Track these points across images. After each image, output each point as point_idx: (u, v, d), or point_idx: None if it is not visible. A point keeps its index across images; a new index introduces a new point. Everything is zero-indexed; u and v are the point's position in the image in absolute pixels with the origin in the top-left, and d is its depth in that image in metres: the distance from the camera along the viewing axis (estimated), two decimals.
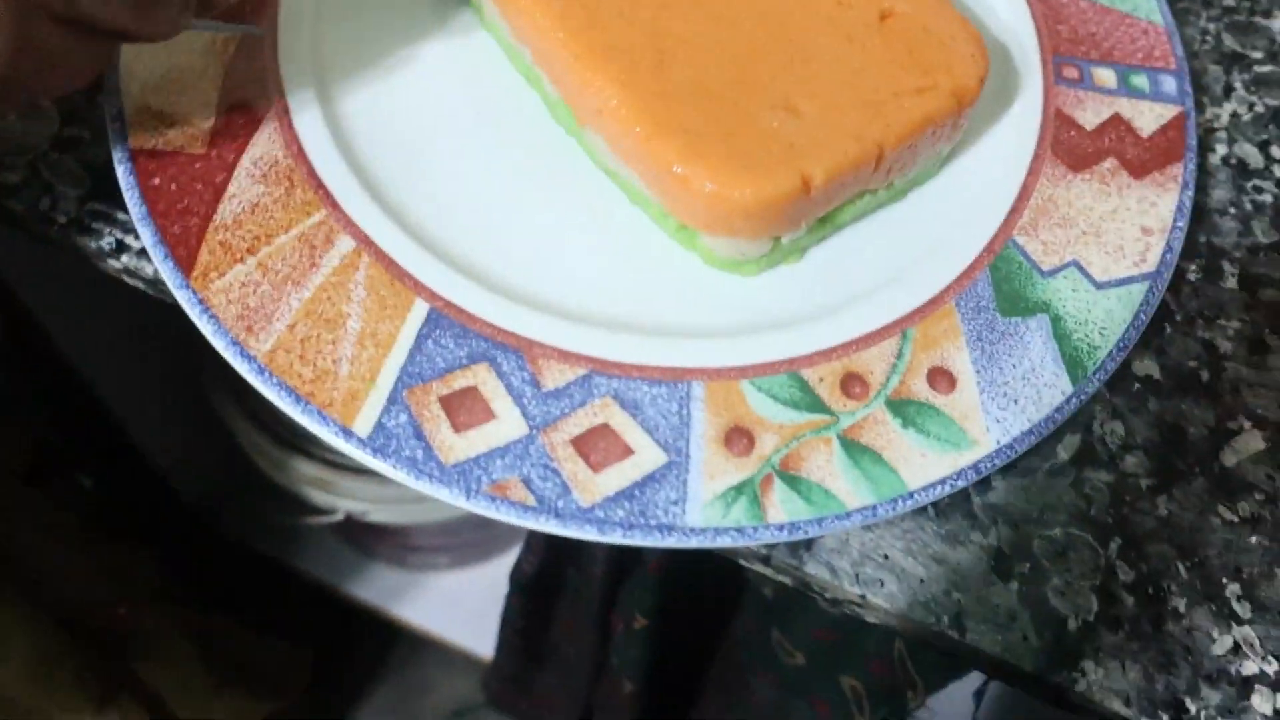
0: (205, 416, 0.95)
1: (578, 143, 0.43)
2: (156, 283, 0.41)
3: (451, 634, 1.11)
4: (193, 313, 0.37)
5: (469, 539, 1.05)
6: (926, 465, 0.37)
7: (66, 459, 0.76)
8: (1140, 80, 0.46)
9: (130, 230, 0.41)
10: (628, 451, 0.36)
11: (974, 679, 0.60)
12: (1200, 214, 0.45)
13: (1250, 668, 0.37)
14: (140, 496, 0.98)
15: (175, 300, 0.38)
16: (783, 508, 0.36)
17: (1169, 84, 0.45)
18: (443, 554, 1.09)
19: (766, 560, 0.38)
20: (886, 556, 0.38)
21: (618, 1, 0.40)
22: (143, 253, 0.41)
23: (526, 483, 0.36)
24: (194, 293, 0.38)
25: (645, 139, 0.38)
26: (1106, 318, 0.40)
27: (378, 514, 0.96)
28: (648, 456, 0.36)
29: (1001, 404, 0.38)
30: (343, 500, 0.95)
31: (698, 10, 0.40)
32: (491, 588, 1.11)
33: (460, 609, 1.11)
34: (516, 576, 0.71)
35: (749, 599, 0.69)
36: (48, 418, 0.79)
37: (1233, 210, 0.46)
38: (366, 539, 1.10)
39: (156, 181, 0.39)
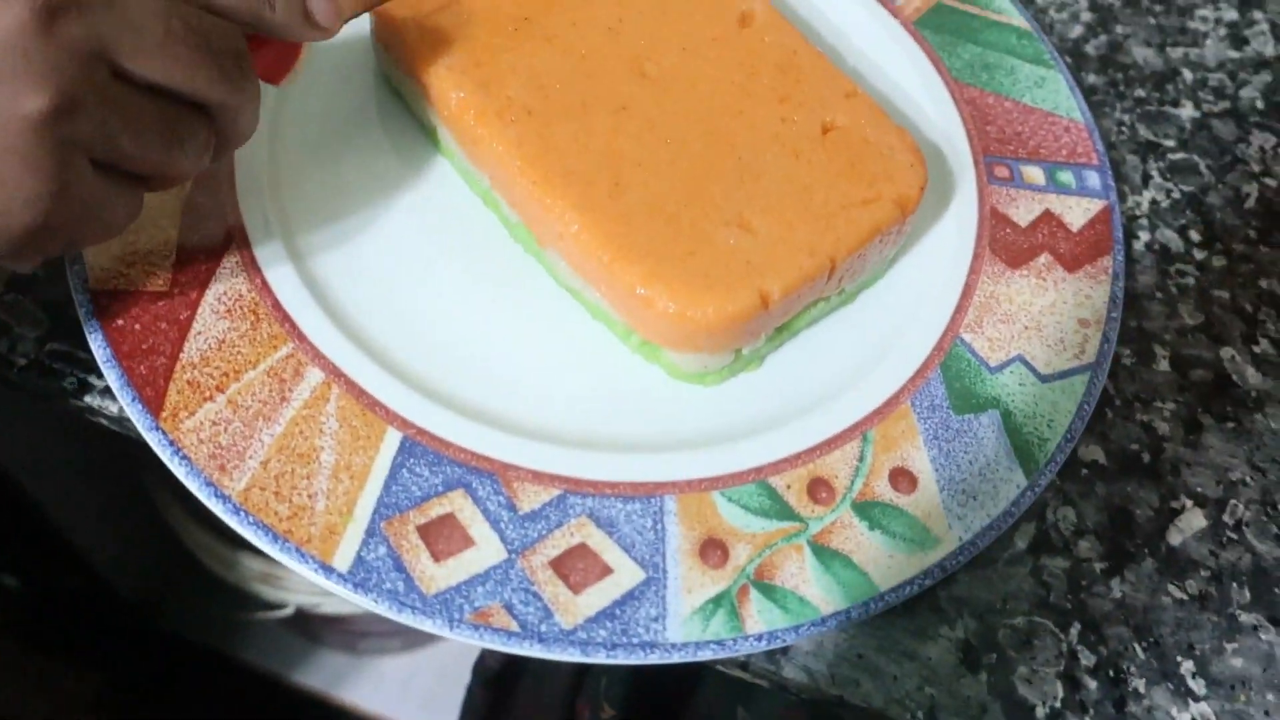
0: (146, 514, 0.93)
1: (538, 262, 0.44)
2: (123, 420, 0.41)
3: (405, 717, 1.09)
4: (164, 454, 0.37)
5: None
6: (895, 566, 0.38)
7: None
8: (1066, 176, 0.48)
9: (93, 369, 0.41)
10: (606, 570, 0.37)
11: None
12: (1130, 300, 0.48)
13: None
14: (74, 596, 0.95)
15: (143, 438, 0.38)
16: (760, 618, 0.37)
17: (1093, 179, 0.48)
18: (395, 637, 1.08)
19: (745, 666, 0.39)
20: (860, 656, 0.39)
21: (571, 127, 0.41)
22: (107, 390, 0.41)
23: (509, 608, 0.36)
24: (164, 434, 0.38)
25: (608, 263, 0.39)
26: (1053, 410, 0.42)
27: (330, 605, 0.94)
28: (626, 574, 0.37)
29: (961, 501, 0.40)
30: (293, 595, 0.94)
31: (650, 133, 0.42)
32: (446, 667, 1.11)
33: (414, 691, 1.10)
34: (480, 670, 0.71)
35: (712, 676, 0.69)
36: None
37: (1159, 295, 0.48)
38: (315, 628, 1.08)
39: (120, 322, 0.39)
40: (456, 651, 1.07)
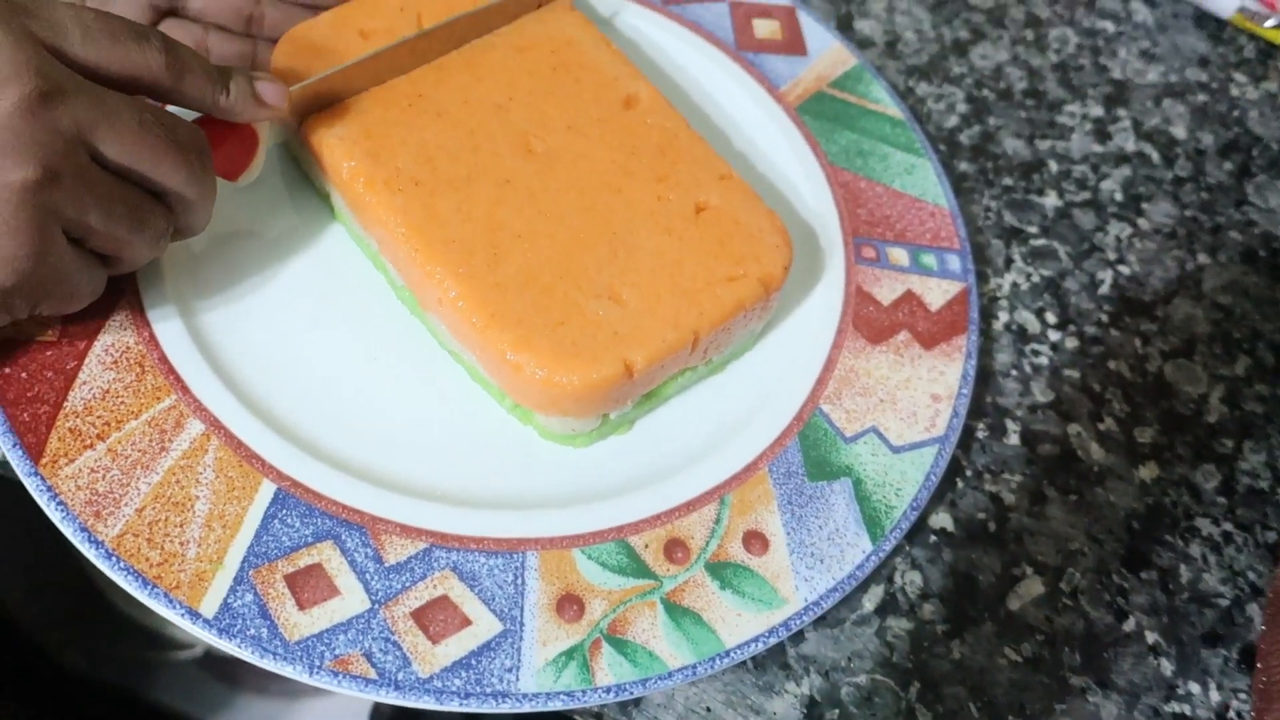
0: (53, 550, 0.93)
1: (422, 323, 0.46)
2: (5, 464, 0.42)
3: None
4: (41, 499, 0.39)
5: None
6: (742, 624, 0.41)
7: None
8: (929, 259, 0.51)
9: None
10: (466, 622, 0.39)
11: None
12: (987, 376, 0.51)
13: None
14: None
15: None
16: (610, 670, 0.39)
17: (954, 262, 0.51)
18: None
19: (599, 717, 0.41)
20: (709, 709, 0.41)
21: (455, 198, 0.44)
22: None
23: (368, 656, 0.38)
24: (42, 479, 0.39)
25: (482, 329, 0.41)
26: (902, 479, 0.45)
27: None
28: (484, 626, 0.39)
29: (809, 564, 0.42)
30: None
31: (531, 206, 0.44)
32: (354, 711, 1.11)
33: None
34: (377, 716, 0.72)
35: None
36: None
37: (1014, 372, 0.51)
38: (226, 668, 1.08)
39: (7, 370, 0.41)
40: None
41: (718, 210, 0.46)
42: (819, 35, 0.58)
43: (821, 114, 0.55)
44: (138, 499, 0.39)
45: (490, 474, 0.43)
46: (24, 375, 0.41)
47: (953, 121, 0.60)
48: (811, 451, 0.45)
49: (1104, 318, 0.54)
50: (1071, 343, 0.53)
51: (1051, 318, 0.53)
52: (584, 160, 0.46)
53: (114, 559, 0.38)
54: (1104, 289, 0.55)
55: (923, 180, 0.54)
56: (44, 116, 0.34)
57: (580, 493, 0.43)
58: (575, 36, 0.49)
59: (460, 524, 0.41)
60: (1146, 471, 0.49)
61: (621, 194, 0.45)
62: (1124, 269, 0.56)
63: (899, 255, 0.51)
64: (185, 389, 0.42)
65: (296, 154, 0.49)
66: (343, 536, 0.40)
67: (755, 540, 0.43)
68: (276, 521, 0.40)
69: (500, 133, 0.46)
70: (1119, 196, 0.58)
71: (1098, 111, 0.62)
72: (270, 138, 0.45)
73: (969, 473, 0.48)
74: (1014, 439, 0.49)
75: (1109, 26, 0.66)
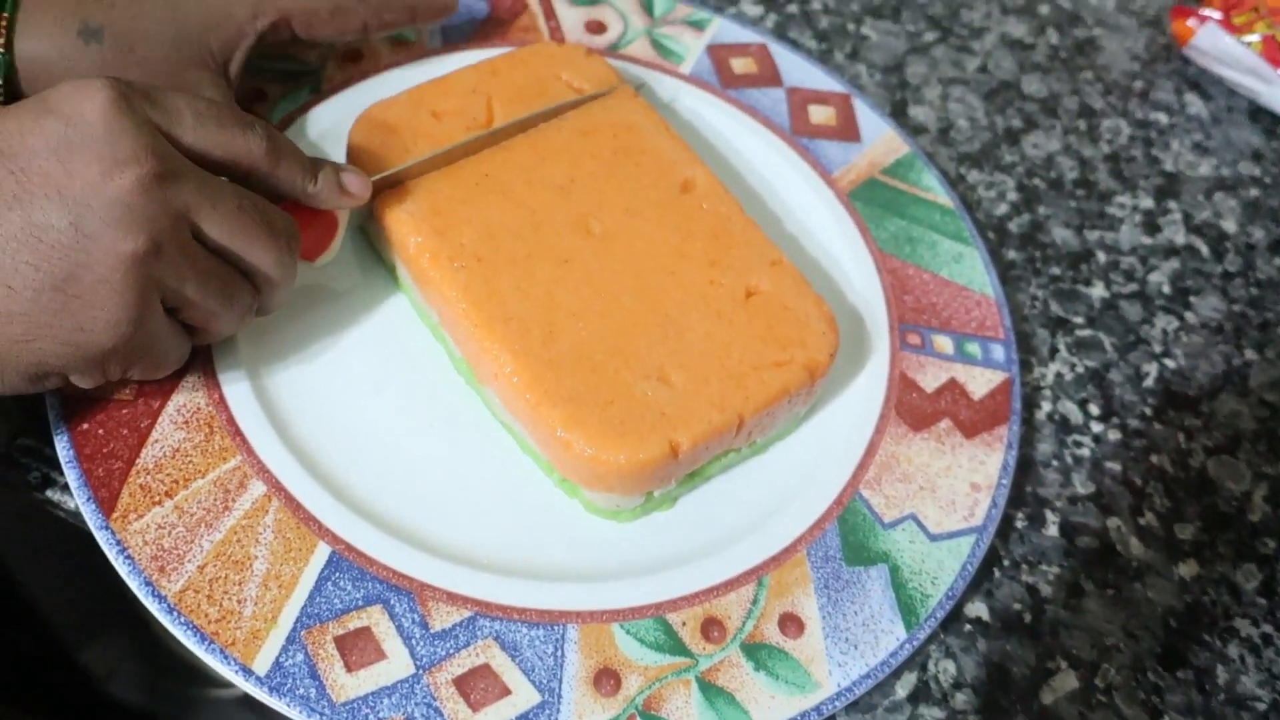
0: (106, 581, 0.96)
1: (478, 394, 0.48)
2: (79, 514, 0.44)
3: None
4: (110, 552, 0.41)
5: None
6: (774, 707, 0.41)
7: None
8: (974, 348, 0.52)
9: (56, 465, 0.45)
10: (505, 691, 0.40)
11: None
12: (1027, 466, 0.51)
13: None
14: (30, 657, 0.97)
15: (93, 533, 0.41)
16: None
17: (998, 352, 0.52)
18: None
19: None
20: None
21: (515, 275, 0.46)
22: (67, 487, 0.44)
23: None
24: (113, 533, 0.41)
25: (534, 405, 0.43)
26: (938, 568, 0.46)
27: None
28: (524, 697, 0.40)
29: (843, 649, 0.43)
30: None
31: (587, 286, 0.46)
32: None
33: None
34: None
35: None
36: None
37: (1055, 463, 0.52)
38: (268, 709, 1.09)
39: (85, 426, 0.43)
40: None
41: (768, 295, 0.47)
42: (873, 122, 0.60)
43: (873, 200, 0.57)
44: (200, 556, 0.41)
45: (535, 545, 0.44)
46: (101, 432, 0.43)
47: (1003, 209, 0.61)
48: (850, 536, 0.46)
49: (1148, 411, 0.54)
50: (1114, 435, 0.53)
51: (1095, 409, 0.54)
52: (640, 242, 0.48)
53: (175, 614, 0.40)
54: (1149, 382, 0.55)
55: (970, 269, 0.55)
56: (157, 195, 0.37)
57: (622, 567, 0.44)
58: (636, 122, 0.51)
59: (505, 593, 0.42)
60: (1186, 569, 0.49)
61: (675, 276, 0.47)
62: (1170, 362, 0.56)
63: (944, 343, 0.52)
64: (250, 450, 0.44)
65: (365, 226, 0.51)
66: (391, 601, 0.41)
67: (791, 623, 0.43)
68: (329, 584, 0.41)
69: (561, 213, 0.48)
70: (1167, 289, 0.59)
71: (1148, 203, 0.63)
72: (347, 224, 0.47)
73: (1006, 562, 0.49)
74: (1053, 530, 0.50)
75: (1162, 118, 0.67)
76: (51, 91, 0.37)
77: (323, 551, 0.42)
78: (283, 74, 0.55)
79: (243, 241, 0.40)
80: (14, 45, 0.44)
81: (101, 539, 0.41)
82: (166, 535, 0.41)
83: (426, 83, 0.51)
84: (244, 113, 0.42)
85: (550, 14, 0.61)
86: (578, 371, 0.44)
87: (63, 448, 0.42)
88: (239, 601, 0.40)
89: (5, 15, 0.44)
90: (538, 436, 0.44)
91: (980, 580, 0.48)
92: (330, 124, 0.54)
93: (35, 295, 0.36)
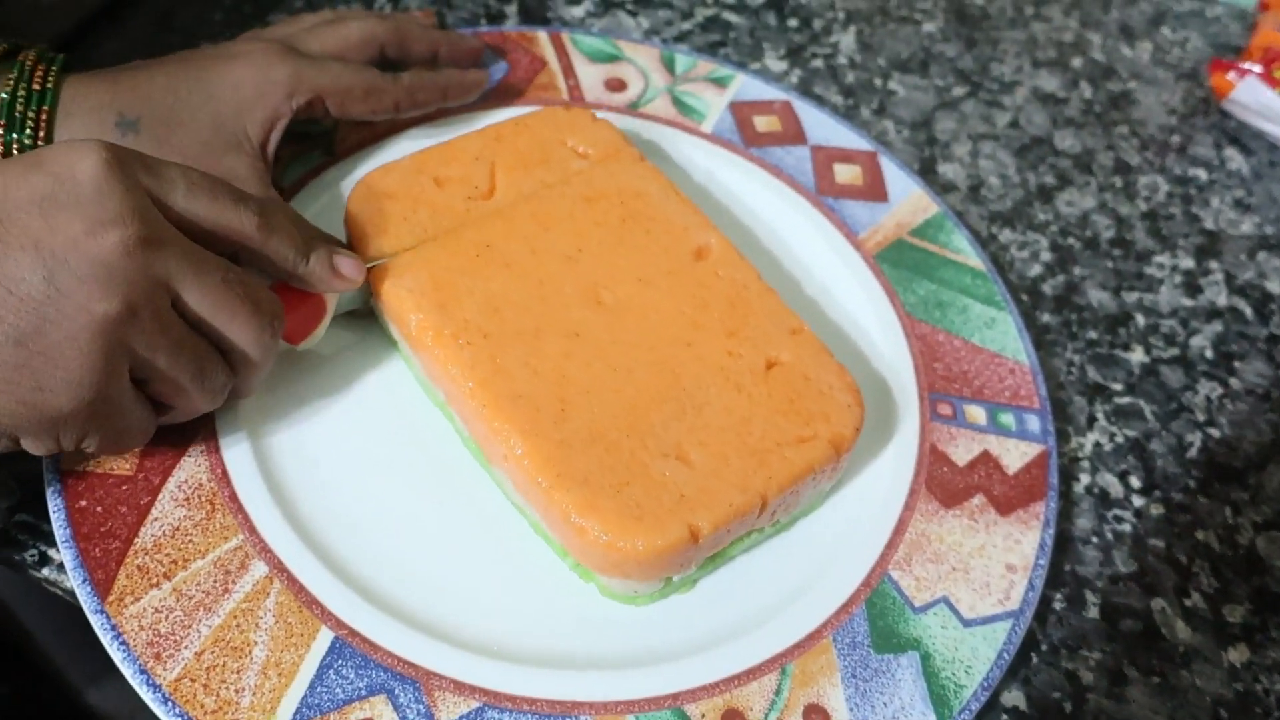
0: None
1: (487, 474, 0.46)
2: (74, 593, 0.42)
3: None
4: (105, 638, 0.39)
5: None
6: None
7: None
8: (1008, 418, 0.50)
9: (54, 543, 0.43)
10: None
11: None
12: (1065, 542, 0.49)
13: None
14: (50, 708, 0.96)
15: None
16: None
17: (1034, 423, 0.50)
18: None
19: None
20: None
21: (523, 351, 0.44)
22: (64, 566, 0.43)
23: None
24: (108, 618, 0.39)
25: (547, 489, 0.41)
26: (972, 655, 0.43)
27: None
28: None
29: None
30: None
31: (599, 360, 0.44)
32: None
33: None
34: None
35: None
36: None
37: (1095, 539, 0.49)
38: None
39: (83, 504, 0.42)
40: None
41: (788, 366, 0.45)
42: (900, 181, 0.58)
43: (901, 263, 0.55)
44: (198, 642, 0.39)
45: (547, 630, 0.42)
46: (99, 509, 0.42)
47: (1036, 270, 0.59)
48: (879, 621, 0.44)
49: (1192, 484, 0.52)
50: (1157, 510, 0.51)
51: (1136, 482, 0.51)
52: (654, 313, 0.46)
53: (170, 704, 0.38)
54: (1192, 452, 0.53)
55: (1003, 335, 0.53)
56: (139, 259, 0.36)
57: (637, 653, 0.42)
58: (644, 188, 0.50)
59: (514, 683, 0.40)
60: (1236, 654, 0.47)
61: (691, 348, 0.45)
62: (1214, 431, 0.54)
63: (976, 413, 0.50)
64: (253, 529, 0.42)
65: (366, 299, 0.49)
66: (396, 691, 0.39)
67: (816, 715, 0.41)
68: (331, 672, 0.40)
69: (569, 284, 0.46)
70: (1209, 354, 0.57)
71: (1188, 263, 0.60)
72: (335, 309, 0.46)
73: (1044, 647, 0.46)
74: (1093, 612, 0.47)
75: (1201, 174, 0.65)
76: (46, 149, 0.36)
77: (325, 637, 0.40)
78: (295, 135, 0.54)
79: (224, 316, 0.39)
80: (54, 138, 0.45)
81: (96, 623, 0.39)
82: (164, 620, 0.40)
83: (429, 148, 0.50)
84: (237, 188, 0.40)
85: (569, 72, 0.60)
86: (592, 452, 0.42)
87: (59, 526, 0.41)
88: (236, 691, 0.39)
89: (46, 109, 0.45)
90: (551, 521, 0.42)
91: (1017, 666, 0.45)
92: (344, 187, 0.53)
93: None
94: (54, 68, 0.46)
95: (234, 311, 0.39)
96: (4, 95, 0.45)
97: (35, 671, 0.91)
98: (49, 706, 0.97)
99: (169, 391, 0.39)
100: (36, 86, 0.45)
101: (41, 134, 0.45)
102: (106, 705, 1.02)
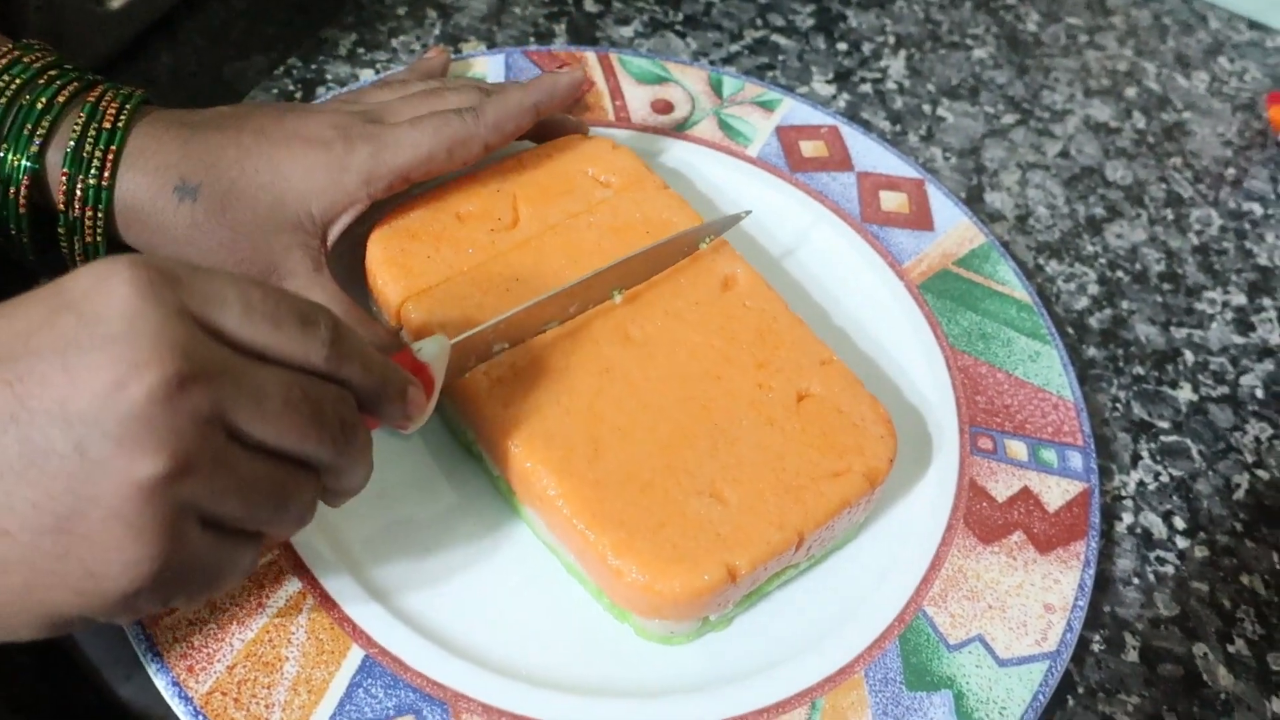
0: None
1: (518, 513, 0.46)
2: None
3: None
4: (139, 648, 0.40)
5: None
6: None
7: None
8: (1049, 455, 0.49)
9: None
10: None
11: None
12: (1105, 583, 0.48)
13: None
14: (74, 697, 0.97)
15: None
16: None
17: (1076, 460, 0.49)
18: None
19: None
20: None
21: (555, 389, 0.44)
22: None
23: None
24: (142, 628, 0.40)
25: (582, 531, 0.40)
26: (1007, 696, 0.42)
27: None
28: None
29: None
30: None
31: (631, 397, 0.44)
32: None
33: None
34: None
35: None
36: None
37: (1136, 580, 0.48)
38: None
39: None
40: None
41: (820, 399, 0.45)
42: (947, 210, 0.57)
43: (945, 293, 0.54)
44: (230, 655, 0.40)
45: (578, 659, 0.42)
46: None
47: (1083, 303, 0.58)
48: (912, 658, 0.43)
49: (1238, 526, 0.51)
50: (1201, 552, 0.50)
51: (1180, 523, 0.50)
52: (683, 347, 0.46)
53: (201, 717, 0.38)
54: (1239, 494, 0.52)
55: (1047, 369, 0.52)
56: (180, 403, 0.30)
57: (667, 686, 0.42)
58: (669, 218, 0.50)
59: (543, 709, 0.40)
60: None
61: (721, 382, 0.45)
62: (1263, 474, 0.52)
63: (1017, 449, 0.49)
64: (287, 545, 0.43)
65: None
66: (424, 712, 0.40)
67: None
68: (361, 690, 0.40)
69: (597, 318, 0.46)
70: (1260, 394, 0.55)
71: (1240, 300, 0.59)
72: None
73: (1081, 689, 0.45)
74: (1132, 655, 0.46)
75: (1256, 209, 0.64)
76: (70, 279, 0.31)
77: (355, 655, 0.40)
78: None
79: (292, 437, 0.33)
80: (115, 187, 0.43)
81: (131, 634, 0.40)
82: (197, 632, 0.40)
83: (446, 182, 0.50)
84: (307, 307, 0.34)
85: (617, 93, 0.60)
86: (626, 491, 0.41)
87: None
88: (267, 706, 0.39)
89: (114, 148, 0.43)
90: (586, 562, 0.42)
91: (1052, 708, 0.45)
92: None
93: (34, 539, 0.30)
94: (128, 105, 0.44)
95: (302, 430, 0.33)
96: (71, 139, 0.43)
97: (73, 668, 0.93)
98: (85, 702, 0.98)
99: (253, 526, 0.34)
100: (107, 125, 0.43)
101: (106, 174, 0.43)
102: (140, 700, 1.03)
